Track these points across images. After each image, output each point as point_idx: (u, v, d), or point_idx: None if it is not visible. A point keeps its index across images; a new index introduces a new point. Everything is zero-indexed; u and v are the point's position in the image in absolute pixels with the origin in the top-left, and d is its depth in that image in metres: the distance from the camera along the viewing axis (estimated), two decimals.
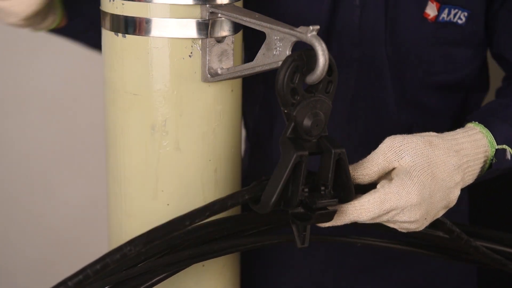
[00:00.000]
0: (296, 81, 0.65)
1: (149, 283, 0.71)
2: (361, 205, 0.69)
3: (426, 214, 0.72)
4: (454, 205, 0.86)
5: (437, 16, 0.91)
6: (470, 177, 0.78)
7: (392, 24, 0.92)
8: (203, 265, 0.81)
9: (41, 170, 1.74)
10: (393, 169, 0.72)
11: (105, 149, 0.83)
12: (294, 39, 0.67)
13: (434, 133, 0.76)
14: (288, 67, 0.65)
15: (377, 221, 0.71)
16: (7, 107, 1.66)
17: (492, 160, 0.80)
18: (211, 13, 0.73)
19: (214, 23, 0.73)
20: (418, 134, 0.74)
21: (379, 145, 0.73)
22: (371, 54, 0.93)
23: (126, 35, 0.74)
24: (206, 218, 0.68)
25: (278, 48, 0.68)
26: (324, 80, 0.67)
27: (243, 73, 0.73)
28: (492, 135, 0.81)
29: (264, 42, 0.69)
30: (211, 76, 0.75)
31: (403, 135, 0.73)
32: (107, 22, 0.76)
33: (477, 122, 0.81)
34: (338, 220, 0.70)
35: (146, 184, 0.78)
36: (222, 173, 0.79)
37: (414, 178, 0.70)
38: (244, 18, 0.71)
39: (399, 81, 0.95)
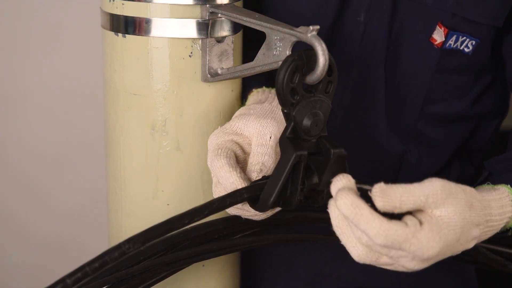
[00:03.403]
0: (296, 81, 0.65)
1: (149, 282, 0.71)
2: (383, 225, 0.63)
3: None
4: None
5: (444, 43, 0.87)
6: (486, 236, 0.75)
7: (395, 45, 0.89)
8: (203, 265, 0.81)
9: (41, 170, 1.73)
10: (421, 211, 0.67)
11: (105, 149, 0.83)
12: (294, 39, 0.67)
13: (473, 191, 0.71)
14: (288, 67, 0.65)
15: (379, 250, 0.66)
16: (6, 106, 1.66)
17: None
18: (211, 13, 0.73)
19: (214, 23, 0.73)
20: (461, 187, 0.69)
21: (423, 182, 0.66)
22: (368, 74, 0.90)
23: (126, 35, 0.74)
24: (205, 216, 0.68)
25: (278, 48, 0.68)
26: (324, 80, 0.67)
27: (243, 73, 0.73)
28: None
29: (264, 42, 0.69)
30: (211, 76, 0.75)
31: (451, 183, 0.68)
32: (107, 22, 0.76)
33: (509, 186, 0.76)
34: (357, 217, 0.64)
35: (146, 184, 0.78)
36: None
37: (442, 236, 0.66)
38: (244, 18, 0.71)
39: (394, 105, 0.92)
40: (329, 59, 0.65)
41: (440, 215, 0.66)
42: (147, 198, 0.78)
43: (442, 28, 0.86)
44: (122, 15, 0.74)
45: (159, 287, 0.74)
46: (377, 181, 0.65)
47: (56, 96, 1.67)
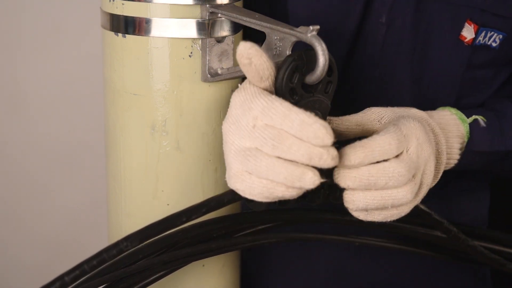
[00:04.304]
0: (295, 81, 0.66)
1: (148, 280, 0.71)
2: (379, 139, 0.66)
3: (416, 173, 0.69)
4: (474, 209, 0.84)
5: (474, 39, 0.87)
6: (446, 155, 0.78)
7: (422, 45, 0.88)
8: (203, 265, 0.81)
9: (40, 170, 1.73)
10: (373, 131, 0.72)
11: (105, 149, 0.83)
12: (294, 39, 0.67)
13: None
14: (288, 67, 0.65)
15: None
16: (6, 106, 1.66)
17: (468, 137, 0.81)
18: (211, 13, 0.73)
19: (214, 23, 0.74)
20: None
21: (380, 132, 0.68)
22: (393, 75, 0.90)
23: (126, 35, 0.74)
24: (203, 214, 0.68)
25: (278, 48, 0.69)
26: (324, 80, 0.67)
27: (243, 73, 0.73)
28: (462, 113, 0.82)
29: (264, 42, 0.70)
30: (211, 76, 0.75)
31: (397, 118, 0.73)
32: (107, 22, 0.76)
33: (447, 107, 0.83)
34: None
35: (146, 184, 0.78)
36: (222, 173, 0.79)
37: (408, 123, 0.70)
38: (244, 18, 0.71)
39: (423, 105, 0.90)
40: (329, 59, 0.65)
41: (388, 120, 0.73)
42: (147, 198, 0.78)
43: (472, 25, 0.86)
44: (122, 15, 0.74)
45: (159, 286, 0.75)
46: None
47: (56, 96, 1.67)
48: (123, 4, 0.74)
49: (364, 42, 0.89)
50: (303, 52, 0.65)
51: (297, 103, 0.66)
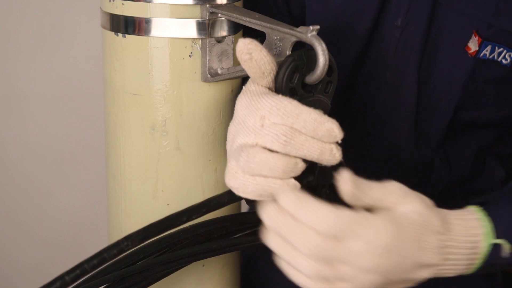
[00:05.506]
0: (295, 81, 0.66)
1: (148, 280, 0.71)
2: (331, 210, 0.60)
3: (378, 272, 0.62)
4: None
5: (478, 52, 0.84)
6: (450, 268, 0.67)
7: (431, 50, 0.87)
8: (203, 265, 0.81)
9: (40, 170, 1.74)
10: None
11: (105, 149, 0.83)
12: (294, 39, 0.67)
13: (430, 201, 0.67)
14: (288, 67, 0.65)
15: (327, 250, 0.60)
16: (6, 106, 1.66)
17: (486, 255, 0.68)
18: (211, 13, 0.73)
19: (214, 23, 0.74)
20: (418, 194, 0.66)
21: (383, 182, 0.65)
22: (403, 79, 0.89)
23: (126, 35, 0.74)
24: (203, 214, 0.68)
25: (278, 48, 0.68)
26: (324, 80, 0.67)
27: (243, 73, 0.73)
28: (494, 225, 0.67)
29: (264, 42, 0.69)
30: (211, 76, 0.75)
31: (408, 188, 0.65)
32: (107, 22, 0.76)
33: (478, 206, 0.69)
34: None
35: (146, 184, 0.78)
36: (222, 173, 0.79)
37: (399, 227, 0.61)
38: (244, 18, 0.71)
39: (426, 110, 0.90)
40: (329, 59, 0.65)
41: (398, 211, 0.63)
42: (147, 198, 0.78)
43: (477, 37, 0.84)
44: (122, 15, 0.74)
45: (159, 286, 0.74)
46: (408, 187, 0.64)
47: (56, 96, 1.67)
48: (123, 4, 0.74)
49: (379, 44, 0.88)
50: (303, 52, 0.65)
51: None
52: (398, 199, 0.64)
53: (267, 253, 0.67)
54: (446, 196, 0.95)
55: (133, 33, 0.74)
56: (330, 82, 0.68)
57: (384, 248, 0.60)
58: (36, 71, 1.64)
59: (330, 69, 0.67)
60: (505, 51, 0.84)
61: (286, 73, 0.65)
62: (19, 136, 1.69)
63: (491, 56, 0.85)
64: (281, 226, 0.62)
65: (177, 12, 0.73)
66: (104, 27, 0.78)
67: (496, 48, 0.84)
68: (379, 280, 0.62)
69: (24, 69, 1.63)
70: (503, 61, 0.85)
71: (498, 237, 0.67)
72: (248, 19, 0.71)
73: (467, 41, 0.85)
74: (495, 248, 0.67)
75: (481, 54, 0.85)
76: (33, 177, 1.74)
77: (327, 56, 0.64)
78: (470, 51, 0.85)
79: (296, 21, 0.96)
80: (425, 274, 0.65)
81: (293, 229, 0.61)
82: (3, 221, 1.77)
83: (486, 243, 0.67)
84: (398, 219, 0.62)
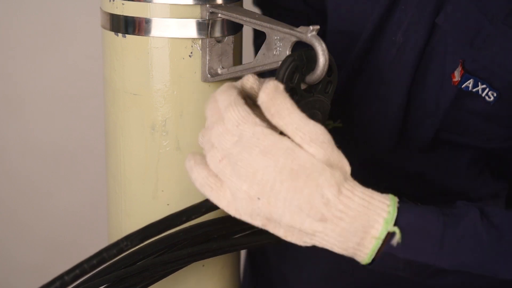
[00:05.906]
0: (295, 81, 0.66)
1: (148, 281, 0.71)
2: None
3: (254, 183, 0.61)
4: None
5: (460, 83, 0.83)
6: (336, 238, 0.62)
7: (423, 69, 0.86)
8: (203, 265, 0.81)
9: (41, 170, 1.74)
10: None
11: (105, 149, 0.83)
12: (294, 39, 0.67)
13: None
14: (288, 67, 0.65)
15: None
16: (6, 107, 1.66)
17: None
18: (211, 13, 0.73)
19: (214, 23, 0.74)
20: None
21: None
22: (394, 94, 0.88)
23: (126, 35, 0.74)
24: (203, 214, 0.68)
25: (278, 48, 0.69)
26: (324, 80, 0.67)
27: (243, 73, 0.73)
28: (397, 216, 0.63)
29: (264, 42, 0.70)
30: (211, 76, 0.75)
31: None
32: (107, 22, 0.76)
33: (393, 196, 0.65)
34: None
35: (146, 184, 0.78)
36: None
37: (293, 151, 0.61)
38: (244, 18, 0.71)
39: (412, 125, 0.90)
40: (329, 59, 0.65)
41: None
42: (147, 198, 0.78)
43: (460, 68, 0.83)
44: (122, 15, 0.74)
45: (159, 287, 0.74)
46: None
47: (56, 96, 1.67)
48: (123, 4, 0.74)
49: (376, 57, 0.89)
50: (303, 52, 0.65)
51: (297, 103, 0.66)
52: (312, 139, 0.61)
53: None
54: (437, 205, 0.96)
55: (133, 33, 0.74)
56: (330, 82, 0.68)
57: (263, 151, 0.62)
58: (36, 71, 1.64)
59: (330, 69, 0.67)
60: (487, 89, 0.83)
61: (286, 73, 0.65)
62: (19, 136, 1.69)
63: (474, 90, 0.83)
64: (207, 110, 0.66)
65: (177, 12, 0.73)
66: (104, 27, 0.78)
67: (479, 83, 0.82)
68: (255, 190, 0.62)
69: (24, 69, 1.63)
70: (487, 98, 0.83)
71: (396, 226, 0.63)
72: (248, 19, 0.71)
73: (454, 69, 0.83)
74: (391, 238, 0.63)
75: (463, 86, 0.83)
76: (33, 177, 1.74)
77: (327, 56, 0.65)
78: (454, 79, 0.84)
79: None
80: (308, 226, 0.61)
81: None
82: (3, 221, 1.77)
83: (384, 229, 0.63)
84: (297, 149, 0.61)
